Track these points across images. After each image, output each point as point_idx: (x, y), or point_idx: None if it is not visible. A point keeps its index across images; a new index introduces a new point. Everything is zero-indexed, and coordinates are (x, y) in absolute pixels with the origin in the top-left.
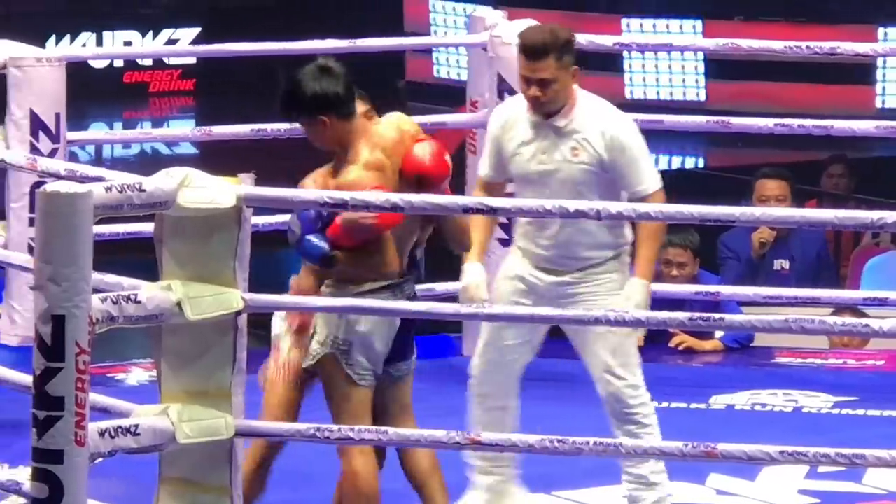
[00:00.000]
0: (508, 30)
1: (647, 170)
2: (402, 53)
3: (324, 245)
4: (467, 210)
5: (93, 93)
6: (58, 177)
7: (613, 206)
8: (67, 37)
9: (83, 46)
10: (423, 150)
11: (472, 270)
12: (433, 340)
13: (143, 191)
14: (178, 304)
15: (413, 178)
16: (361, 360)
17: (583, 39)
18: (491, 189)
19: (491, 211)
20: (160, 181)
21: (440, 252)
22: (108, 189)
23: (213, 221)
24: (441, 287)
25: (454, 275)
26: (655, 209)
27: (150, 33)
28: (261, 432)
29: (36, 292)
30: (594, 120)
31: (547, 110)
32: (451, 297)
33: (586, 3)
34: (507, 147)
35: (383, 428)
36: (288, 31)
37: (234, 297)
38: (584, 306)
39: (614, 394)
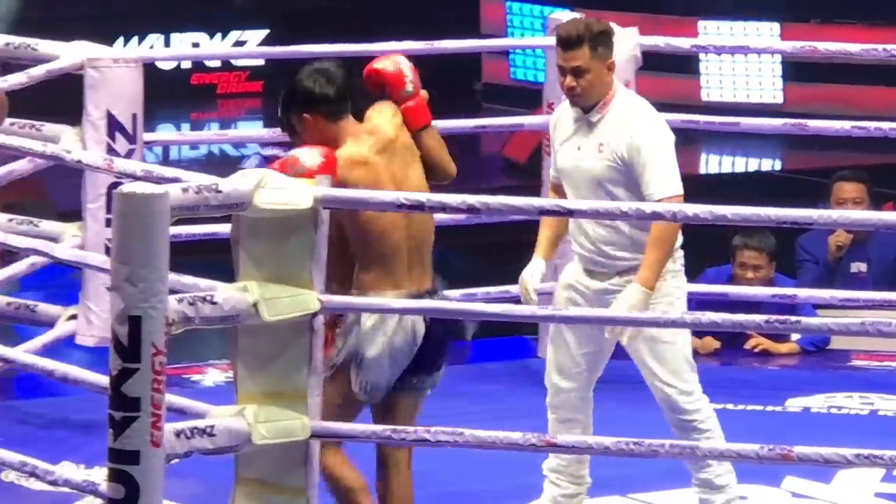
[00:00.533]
0: None
1: (662, 175)
2: (478, 55)
3: None
4: (544, 212)
5: (160, 94)
6: (134, 178)
7: (690, 209)
8: (135, 38)
9: (151, 48)
10: (382, 61)
11: (531, 264)
12: (509, 342)
13: (220, 192)
14: (255, 305)
15: (374, 85)
16: (371, 378)
17: (659, 41)
18: (557, 190)
19: (567, 213)
20: (236, 182)
21: (514, 255)
22: (185, 190)
23: (290, 223)
24: (516, 289)
25: None
26: (733, 212)
27: (219, 35)
28: (337, 433)
29: (112, 293)
30: (622, 117)
31: (583, 103)
32: None
33: (663, 5)
34: (555, 145)
35: (459, 430)
36: (363, 32)
37: (311, 299)
38: None
39: (666, 401)
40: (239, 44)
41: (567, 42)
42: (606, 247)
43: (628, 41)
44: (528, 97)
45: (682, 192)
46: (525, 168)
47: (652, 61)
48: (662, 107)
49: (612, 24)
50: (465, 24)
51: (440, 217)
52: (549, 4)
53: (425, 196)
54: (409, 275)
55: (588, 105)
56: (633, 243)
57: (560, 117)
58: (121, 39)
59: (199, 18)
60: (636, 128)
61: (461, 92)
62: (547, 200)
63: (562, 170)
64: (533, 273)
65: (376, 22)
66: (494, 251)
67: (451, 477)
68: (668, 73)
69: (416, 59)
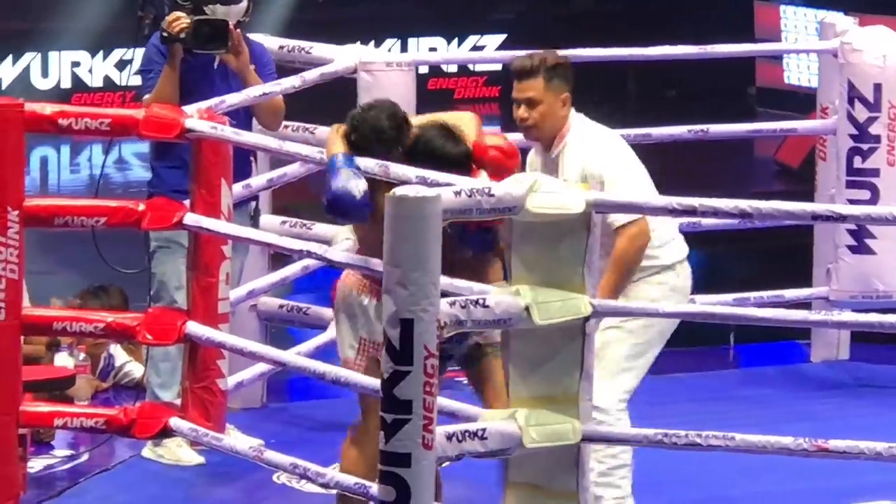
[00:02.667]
0: (859, 36)
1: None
2: (752, 60)
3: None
4: (816, 217)
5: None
6: (409, 184)
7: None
8: (372, 43)
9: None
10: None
11: None
12: (782, 347)
13: (492, 196)
14: (527, 308)
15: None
16: None
17: None
18: None
19: (840, 218)
20: (509, 186)
21: (787, 259)
22: (457, 193)
23: (562, 227)
24: (790, 294)
25: (803, 281)
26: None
27: (456, 40)
28: (608, 437)
29: (385, 296)
30: (575, 150)
31: (536, 135)
32: (800, 304)
33: None
34: None
35: (730, 434)
36: (634, 37)
37: (583, 303)
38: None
39: None
40: (477, 48)
41: (521, 72)
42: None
43: None
44: (802, 101)
45: (641, 216)
46: (798, 173)
47: None
48: None
49: (884, 29)
50: (738, 28)
51: (714, 221)
52: (823, 8)
53: (697, 201)
54: None
55: (544, 138)
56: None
57: (532, 153)
58: (357, 44)
59: (435, 23)
60: (587, 159)
61: (735, 96)
62: (820, 206)
63: None
64: None
65: (647, 26)
66: (768, 255)
67: (722, 480)
68: None
69: (690, 63)
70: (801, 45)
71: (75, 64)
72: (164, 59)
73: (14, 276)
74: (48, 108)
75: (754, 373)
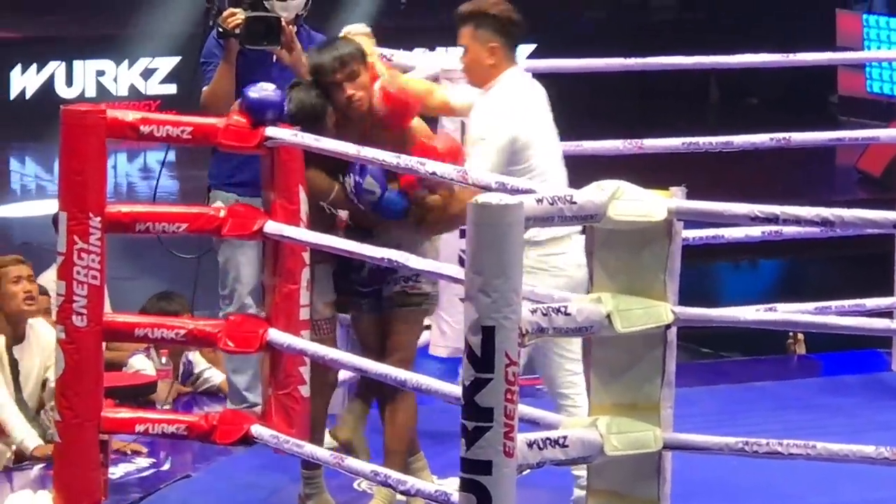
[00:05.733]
0: None
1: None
2: (834, 68)
3: (404, 199)
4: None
5: None
6: (488, 190)
7: None
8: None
9: None
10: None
11: None
12: (863, 355)
13: (574, 203)
14: (608, 316)
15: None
16: None
17: None
18: None
19: None
20: (591, 194)
21: (869, 267)
22: (539, 201)
23: (644, 234)
24: (871, 303)
25: (885, 290)
26: None
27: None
28: (690, 445)
29: (466, 303)
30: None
31: (468, 81)
32: (882, 313)
33: None
34: None
35: (811, 443)
36: (719, 44)
37: (664, 310)
38: None
39: None
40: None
41: (455, 18)
42: None
43: None
44: (884, 110)
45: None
46: (880, 181)
47: None
48: None
49: None
50: (821, 36)
51: (796, 229)
52: None
53: (780, 209)
54: None
55: (472, 83)
56: None
57: None
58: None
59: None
60: (475, 110)
61: (817, 104)
62: None
63: None
64: None
65: (728, 34)
66: (850, 264)
67: (803, 489)
68: None
69: (772, 72)
70: (883, 54)
71: (100, 73)
72: (223, 51)
73: (96, 283)
74: (130, 115)
75: (835, 381)
